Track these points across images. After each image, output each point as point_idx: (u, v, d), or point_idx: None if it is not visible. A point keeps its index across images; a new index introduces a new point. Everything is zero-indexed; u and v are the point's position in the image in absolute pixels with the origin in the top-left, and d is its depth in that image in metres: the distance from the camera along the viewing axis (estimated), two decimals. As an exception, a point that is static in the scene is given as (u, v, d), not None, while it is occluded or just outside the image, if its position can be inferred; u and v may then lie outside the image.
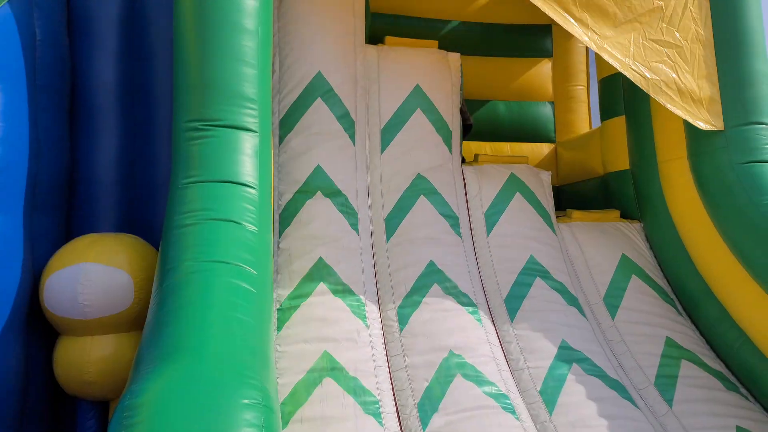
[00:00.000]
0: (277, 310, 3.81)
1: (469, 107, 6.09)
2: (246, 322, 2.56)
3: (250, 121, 3.25)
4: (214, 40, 3.21)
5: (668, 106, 4.07)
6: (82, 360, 3.44)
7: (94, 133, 4.07)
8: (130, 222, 4.17)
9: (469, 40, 6.12)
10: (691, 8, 4.24)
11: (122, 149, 4.15)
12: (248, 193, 3.13)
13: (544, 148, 6.29)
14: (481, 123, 6.12)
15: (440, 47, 5.30)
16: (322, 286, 3.90)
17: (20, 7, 3.34)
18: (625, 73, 4.07)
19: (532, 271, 4.34)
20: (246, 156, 3.19)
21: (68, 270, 3.38)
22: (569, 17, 4.02)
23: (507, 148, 6.13)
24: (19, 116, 3.27)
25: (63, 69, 3.86)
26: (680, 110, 4.07)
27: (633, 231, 4.84)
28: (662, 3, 4.18)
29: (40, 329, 3.51)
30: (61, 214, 3.87)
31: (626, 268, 4.52)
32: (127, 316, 3.50)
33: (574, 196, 5.98)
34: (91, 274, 3.36)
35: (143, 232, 3.94)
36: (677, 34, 4.20)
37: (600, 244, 4.68)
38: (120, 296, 3.44)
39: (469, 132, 5.35)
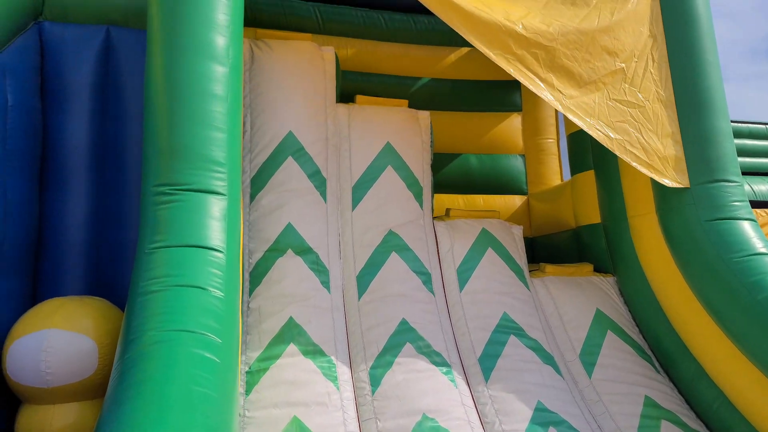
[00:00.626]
0: (246, 372, 3.73)
1: (441, 161, 6.20)
2: (208, 396, 2.48)
3: (219, 185, 3.26)
4: (183, 105, 3.25)
5: (634, 164, 4.18)
6: (44, 429, 3.31)
7: (65, 195, 4.04)
8: (98, 284, 4.09)
9: (440, 96, 6.28)
10: (651, 70, 4.42)
11: (92, 210, 4.12)
12: (215, 257, 3.10)
13: (517, 200, 6.39)
14: (453, 176, 6.21)
15: (411, 104, 5.44)
16: (292, 347, 3.84)
17: (-10, 75, 3.36)
18: (590, 132, 4.19)
19: (506, 328, 4.33)
20: (214, 219, 3.18)
21: (31, 337, 3.28)
22: (534, 78, 4.14)
23: (480, 200, 6.21)
24: (-17, 183, 3.25)
25: (34, 132, 3.86)
26: (646, 168, 4.19)
27: (607, 285, 4.88)
28: (624, 65, 4.36)
29: (1, 397, 3.39)
30: (26, 277, 3.79)
31: (601, 323, 4.53)
32: (91, 382, 3.39)
33: (547, 248, 6.04)
34: (55, 340, 3.26)
35: (111, 294, 3.87)
36: (639, 95, 4.36)
37: (574, 298, 4.70)
38: (84, 363, 3.34)
39: None
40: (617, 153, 4.20)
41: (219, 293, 2.99)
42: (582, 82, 4.29)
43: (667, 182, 4.17)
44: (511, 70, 4.08)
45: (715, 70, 4.37)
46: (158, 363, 2.55)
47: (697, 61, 4.33)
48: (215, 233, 3.15)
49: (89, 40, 4.15)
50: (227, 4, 3.47)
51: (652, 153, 4.21)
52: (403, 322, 4.17)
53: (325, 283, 4.25)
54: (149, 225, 3.11)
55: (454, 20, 3.95)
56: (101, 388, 3.33)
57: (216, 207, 3.22)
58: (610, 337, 4.41)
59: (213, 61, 3.34)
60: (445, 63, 6.35)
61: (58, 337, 3.27)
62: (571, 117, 4.18)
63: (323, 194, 4.50)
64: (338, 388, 3.71)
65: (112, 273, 4.15)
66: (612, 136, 4.21)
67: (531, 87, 4.12)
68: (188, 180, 3.18)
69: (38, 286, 3.91)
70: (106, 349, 3.39)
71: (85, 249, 4.08)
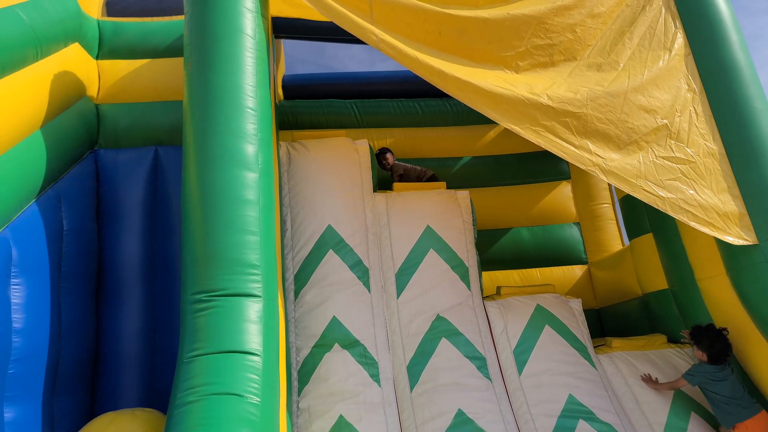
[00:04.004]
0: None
1: (491, 237, 6.04)
2: None
3: (254, 287, 3.29)
4: (216, 213, 3.37)
5: (692, 224, 3.87)
6: None
7: (119, 308, 4.24)
8: (153, 393, 4.16)
9: (483, 173, 6.24)
10: (697, 124, 4.19)
11: (145, 321, 4.28)
12: (252, 361, 3.07)
13: (577, 270, 6.05)
14: (506, 251, 6.02)
15: (454, 183, 5.42)
16: (343, 450, 3.68)
17: (47, 203, 3.67)
18: (637, 195, 3.95)
19: (574, 412, 3.95)
20: (250, 323, 3.18)
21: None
22: (568, 146, 4.01)
23: (536, 273, 5.94)
24: (41, 306, 3.46)
25: (90, 253, 4.14)
26: (706, 227, 3.86)
27: (686, 359, 4.39)
28: (666, 121, 4.17)
29: None
30: (83, 393, 3.92)
31: (683, 404, 4.04)
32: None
33: (615, 320, 5.61)
34: (108, 454, 3.29)
35: (166, 402, 3.91)
36: (688, 150, 4.11)
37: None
38: (136, 475, 3.33)
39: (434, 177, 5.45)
40: (671, 213, 3.92)
41: (255, 399, 2.94)
42: (622, 144, 4.12)
43: (732, 240, 3.81)
44: (542, 141, 3.99)
45: (766, 118, 4.08)
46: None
47: (743, 110, 4.07)
48: (252, 336, 3.14)
49: (140, 162, 4.51)
50: (255, 114, 3.66)
51: (710, 210, 3.90)
52: (460, 414, 3.91)
53: (375, 377, 4.10)
54: (188, 333, 3.15)
55: (476, 101, 3.97)
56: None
57: (252, 309, 3.23)
58: (695, 421, 3.91)
59: (243, 168, 3.48)
60: (485, 140, 6.37)
61: (112, 452, 3.29)
62: (613, 181, 3.98)
63: (366, 284, 4.45)
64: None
65: (167, 381, 4.20)
66: (663, 195, 3.95)
67: (565, 156, 3.99)
68: (223, 285, 3.23)
69: (96, 400, 4.00)
70: (156, 461, 3.37)
71: (139, 359, 4.20)
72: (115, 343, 4.18)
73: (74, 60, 4.35)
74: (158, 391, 4.16)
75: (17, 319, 3.34)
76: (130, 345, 4.21)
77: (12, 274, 3.38)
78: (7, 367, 3.24)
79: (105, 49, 4.82)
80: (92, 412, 3.96)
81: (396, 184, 4.99)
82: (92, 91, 4.67)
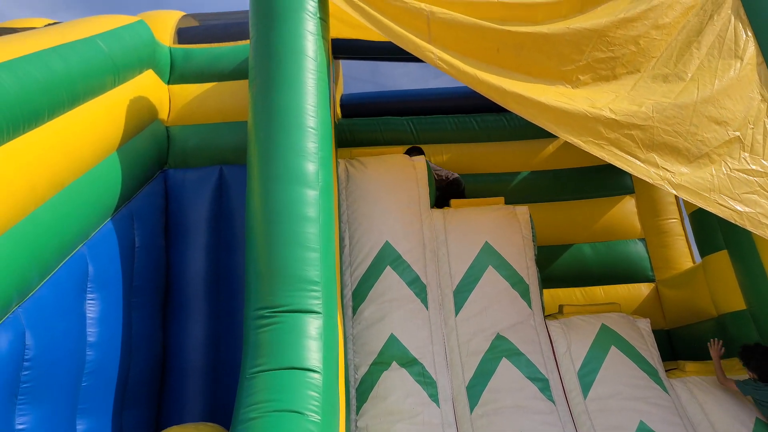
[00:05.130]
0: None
1: (552, 253, 5.88)
2: None
3: (315, 303, 3.33)
4: (278, 229, 3.45)
5: (773, 239, 3.65)
6: None
7: (185, 321, 4.40)
8: (216, 406, 4.27)
9: (542, 187, 6.12)
10: (772, 134, 3.97)
11: (209, 334, 4.41)
12: (312, 378, 3.10)
13: (643, 288, 5.79)
14: (567, 268, 5.85)
15: (513, 199, 5.31)
16: (402, 471, 3.63)
17: (121, 221, 3.87)
18: (711, 209, 3.77)
19: (645, 440, 3.76)
20: (311, 339, 3.22)
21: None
22: (634, 159, 3.88)
23: (600, 291, 5.72)
24: (113, 320, 3.63)
25: (158, 268, 4.34)
26: (787, 243, 3.64)
27: (765, 384, 4.11)
28: (738, 133, 3.97)
29: None
30: (151, 406, 4.07)
31: (764, 432, 3.78)
32: None
33: (688, 342, 5.31)
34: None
35: (230, 416, 4.00)
36: (765, 162, 3.91)
37: (725, 402, 3.99)
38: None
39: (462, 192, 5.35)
40: (750, 228, 3.71)
41: (316, 417, 2.96)
42: (692, 157, 3.95)
43: (819, 257, 3.57)
44: (605, 155, 3.87)
45: None
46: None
47: (823, 118, 3.83)
48: (312, 353, 3.17)
49: (206, 181, 4.70)
50: (316, 133, 3.74)
51: (791, 224, 3.66)
52: (522, 438, 3.79)
53: (434, 396, 4.05)
54: (251, 349, 3.22)
55: (537, 116, 3.91)
56: None
57: (313, 326, 3.27)
58: (779, 451, 3.64)
59: (304, 186, 3.56)
60: (544, 155, 6.25)
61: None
62: (684, 195, 3.82)
63: (424, 301, 4.41)
64: None
65: (231, 394, 4.30)
66: (740, 209, 3.75)
67: (630, 170, 3.86)
68: (285, 302, 3.28)
69: (161, 413, 4.14)
70: (219, 474, 3.44)
71: (203, 372, 4.32)
72: (181, 357, 4.33)
73: (147, 85, 4.61)
74: (221, 405, 4.26)
75: (91, 333, 3.52)
76: (194, 358, 4.35)
77: (88, 289, 3.58)
78: (81, 379, 3.40)
79: (176, 74, 5.10)
80: (158, 424, 4.10)
81: (453, 201, 4.96)
82: (163, 114, 4.93)
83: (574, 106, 3.87)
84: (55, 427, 3.06)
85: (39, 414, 2.95)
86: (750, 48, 4.14)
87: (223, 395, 4.28)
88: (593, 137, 3.86)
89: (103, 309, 3.56)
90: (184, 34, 5.37)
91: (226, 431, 3.79)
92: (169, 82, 5.08)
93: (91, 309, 3.57)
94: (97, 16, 4.33)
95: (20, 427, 2.84)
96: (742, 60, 4.10)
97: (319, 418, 2.96)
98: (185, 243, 4.54)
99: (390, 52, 5.84)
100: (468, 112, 6.41)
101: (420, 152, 5.49)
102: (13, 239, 2.88)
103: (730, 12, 4.22)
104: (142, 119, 4.44)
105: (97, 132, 3.74)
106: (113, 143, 3.99)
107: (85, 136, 3.59)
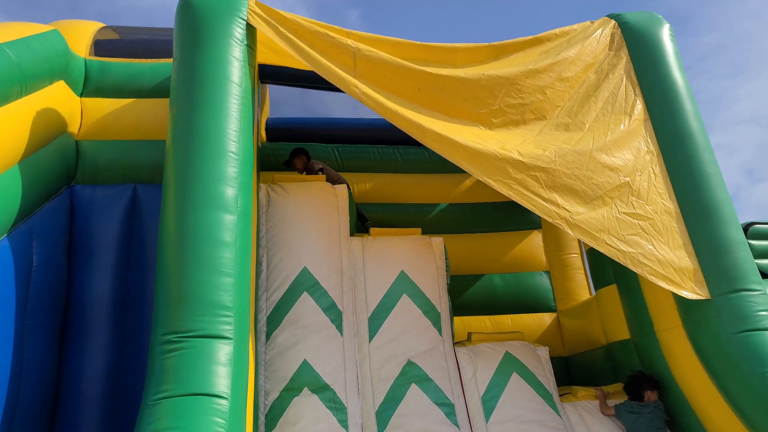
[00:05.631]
0: None
1: (465, 283, 6.15)
2: None
3: (226, 329, 3.30)
4: (191, 254, 3.40)
5: (650, 277, 4.04)
6: None
7: (84, 347, 4.16)
8: (114, 436, 4.07)
9: (459, 220, 6.40)
10: (655, 183, 4.43)
11: (111, 361, 4.20)
12: (219, 404, 3.06)
13: (546, 318, 6.18)
14: (478, 297, 6.12)
15: (431, 229, 5.52)
16: (308, 497, 3.63)
17: (18, 237, 3.66)
18: (599, 248, 4.12)
19: (539, 462, 4.00)
20: (220, 365, 3.18)
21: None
22: (538, 199, 4.18)
23: (507, 320, 6.04)
24: (3, 343, 3.40)
25: (57, 289, 4.10)
26: (662, 281, 4.04)
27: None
28: (628, 179, 4.39)
29: None
30: (42, 432, 3.81)
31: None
32: None
33: (582, 367, 5.71)
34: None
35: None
36: (648, 207, 4.33)
37: (610, 425, 4.34)
38: None
39: (366, 224, 5.56)
40: (630, 267, 4.09)
41: (220, 444, 2.92)
42: (588, 198, 4.31)
43: (687, 294, 4.00)
44: (512, 194, 4.16)
45: (718, 181, 4.35)
46: None
47: (696, 173, 4.34)
48: (221, 379, 3.14)
49: (117, 199, 4.53)
50: (237, 158, 3.75)
51: (667, 265, 4.08)
52: (427, 462, 3.91)
53: (343, 422, 4.10)
54: (155, 375, 3.13)
55: (452, 154, 4.14)
56: None
57: (222, 352, 3.23)
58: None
59: (221, 210, 3.55)
60: (462, 188, 6.55)
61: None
62: (578, 234, 4.15)
63: (339, 327, 4.48)
64: None
65: (131, 422, 4.12)
66: (624, 249, 4.13)
67: (533, 208, 4.15)
68: (195, 326, 3.23)
69: (54, 442, 3.90)
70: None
71: (102, 400, 4.11)
72: (78, 384, 4.09)
73: (58, 97, 4.41)
74: (121, 433, 4.08)
75: (-22, 356, 3.28)
76: (93, 386, 4.12)
77: (-23, 309, 3.35)
78: (-35, 403, 3.16)
79: (90, 87, 4.89)
80: (51, 453, 3.85)
81: (373, 229, 5.09)
82: (73, 127, 4.72)
83: (485, 146, 4.14)
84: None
85: None
86: (638, 106, 4.63)
87: (124, 427, 4.09)
88: (502, 176, 4.15)
89: (-9, 331, 3.35)
90: (102, 47, 5.18)
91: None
92: (82, 95, 4.86)
93: (-21, 330, 3.34)
94: (7, 23, 4.13)
95: None
96: (630, 116, 4.58)
97: (224, 445, 2.93)
98: (89, 263, 4.33)
99: (318, 81, 5.90)
100: (392, 143, 6.62)
101: (304, 153, 5.63)
102: None
103: (622, 73, 4.71)
104: (49, 132, 4.24)
105: (-3, 144, 3.55)
106: (15, 156, 3.78)
107: (-17, 148, 3.39)
